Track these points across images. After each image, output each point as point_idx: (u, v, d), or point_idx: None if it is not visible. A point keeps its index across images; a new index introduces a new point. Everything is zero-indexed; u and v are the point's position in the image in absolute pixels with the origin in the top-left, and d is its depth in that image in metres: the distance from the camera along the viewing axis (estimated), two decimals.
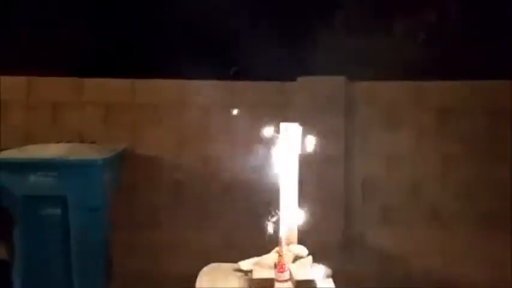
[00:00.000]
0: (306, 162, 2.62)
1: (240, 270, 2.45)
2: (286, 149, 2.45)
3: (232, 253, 2.64)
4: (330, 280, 2.36)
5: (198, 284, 2.40)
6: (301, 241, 2.56)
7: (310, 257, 2.43)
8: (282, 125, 2.50)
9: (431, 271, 3.84)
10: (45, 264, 3.27)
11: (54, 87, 3.95)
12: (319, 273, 2.32)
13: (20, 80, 3.91)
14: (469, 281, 3.77)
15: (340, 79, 3.89)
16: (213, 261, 2.62)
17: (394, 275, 3.81)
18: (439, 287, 3.75)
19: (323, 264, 2.45)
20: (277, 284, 2.23)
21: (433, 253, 3.88)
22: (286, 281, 2.25)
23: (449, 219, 3.88)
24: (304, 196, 2.55)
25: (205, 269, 2.54)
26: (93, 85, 3.96)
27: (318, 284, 2.24)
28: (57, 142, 3.68)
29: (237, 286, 2.32)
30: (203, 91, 3.94)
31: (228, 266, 2.52)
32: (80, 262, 3.26)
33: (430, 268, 3.85)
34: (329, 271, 2.38)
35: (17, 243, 3.23)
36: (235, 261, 2.54)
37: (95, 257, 3.33)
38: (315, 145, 2.56)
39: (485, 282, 3.76)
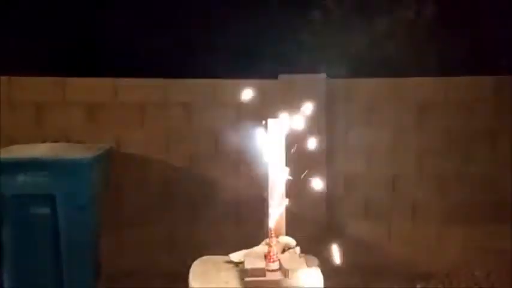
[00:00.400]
0: (289, 158, 2.71)
1: (231, 262, 2.52)
2: (274, 144, 2.54)
3: (222, 248, 2.69)
4: (318, 269, 2.46)
5: (191, 276, 2.46)
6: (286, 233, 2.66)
7: (298, 248, 2.52)
8: (270, 120, 2.58)
9: (408, 261, 3.97)
10: (35, 262, 3.25)
11: (36, 87, 3.94)
12: (308, 263, 2.43)
13: (1, 80, 3.87)
14: (444, 270, 3.92)
15: (321, 76, 3.99)
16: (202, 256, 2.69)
17: (373, 265, 3.93)
18: (416, 275, 3.88)
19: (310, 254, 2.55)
20: (268, 274, 2.32)
21: (410, 244, 4.01)
22: (276, 270, 2.34)
23: (427, 212, 4.02)
24: (288, 190, 2.64)
25: (197, 262, 2.61)
26: (76, 85, 3.95)
27: (307, 273, 2.34)
28: (43, 142, 3.69)
29: (229, 277, 2.39)
30: (186, 89, 3.99)
31: (219, 258, 2.59)
32: (69, 260, 3.25)
33: (408, 259, 3.98)
34: (317, 261, 2.48)
35: (6, 242, 3.21)
36: (225, 255, 2.62)
37: (84, 255, 3.32)
38: (298, 141, 2.65)
39: (460, 271, 3.92)
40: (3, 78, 3.88)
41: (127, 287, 3.69)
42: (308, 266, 2.42)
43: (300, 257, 2.46)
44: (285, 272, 2.31)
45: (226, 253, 2.62)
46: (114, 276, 3.73)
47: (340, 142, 4.02)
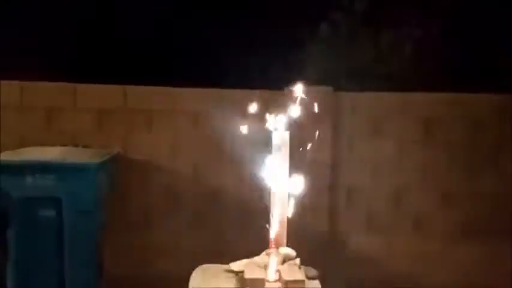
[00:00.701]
0: (294, 169, 2.75)
1: (231, 271, 2.56)
2: (277, 155, 2.58)
3: (223, 255, 2.72)
4: (317, 281, 2.48)
5: (191, 284, 2.50)
6: (287, 244, 2.69)
7: (299, 259, 2.55)
8: (274, 133, 2.62)
9: (410, 276, 3.97)
10: (39, 263, 3.31)
11: (47, 93, 4.01)
12: (308, 274, 2.45)
13: (13, 85, 3.96)
14: (446, 285, 3.92)
15: (328, 89, 4.04)
16: (204, 263, 2.72)
17: (374, 279, 3.94)
18: None
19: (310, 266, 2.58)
20: (267, 284, 2.35)
21: (412, 258, 4.01)
22: (276, 281, 2.37)
23: (429, 227, 4.03)
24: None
25: (197, 270, 2.64)
26: (86, 91, 4.02)
27: (306, 284, 2.37)
28: (52, 146, 3.75)
29: (229, 286, 2.42)
30: (193, 98, 4.05)
31: (219, 267, 2.62)
32: (72, 262, 3.31)
33: (409, 273, 3.98)
34: (316, 272, 2.51)
35: (11, 243, 3.27)
36: (226, 263, 2.65)
37: (87, 258, 3.38)
38: (304, 153, 2.70)
39: (462, 286, 3.92)
40: (16, 83, 3.96)
41: None
42: (308, 277, 2.45)
43: (299, 268, 2.49)
44: (284, 283, 2.34)
45: (229, 260, 2.65)
46: (117, 279, 3.78)
47: (345, 155, 4.05)
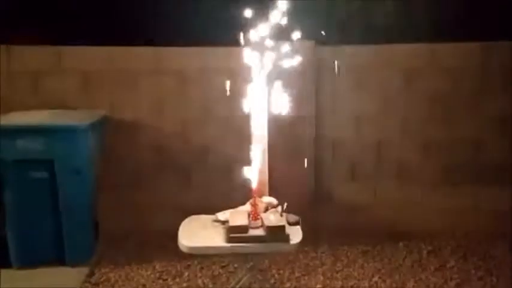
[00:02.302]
0: (280, 122, 2.85)
1: (217, 221, 2.70)
2: (256, 104, 2.67)
3: (212, 209, 2.84)
4: (298, 227, 2.64)
5: (179, 233, 2.64)
6: (275, 194, 2.83)
7: (280, 207, 2.69)
8: (256, 87, 2.70)
9: (391, 221, 4.14)
10: (36, 224, 3.41)
11: (33, 56, 4.01)
12: (289, 220, 2.61)
13: (1, 49, 3.96)
14: (426, 230, 4.09)
15: (311, 43, 4.08)
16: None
17: (358, 225, 4.11)
18: (398, 235, 4.04)
19: (293, 213, 2.73)
20: (250, 230, 2.50)
21: (394, 205, 4.18)
22: (258, 227, 2.52)
23: (412, 174, 4.18)
24: (278, 154, 2.79)
25: (186, 220, 2.79)
26: (72, 53, 4.03)
27: (287, 229, 2.52)
28: (40, 109, 3.81)
29: (215, 234, 2.57)
30: (178, 57, 4.08)
31: (207, 217, 2.77)
32: (68, 222, 3.42)
33: (391, 219, 4.15)
34: (297, 218, 2.66)
35: (8, 205, 3.36)
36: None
37: (82, 217, 3.48)
38: (288, 106, 2.80)
39: (444, 231, 4.09)
40: (4, 47, 3.95)
41: (123, 246, 3.88)
42: (289, 223, 2.60)
43: (281, 215, 2.64)
44: (266, 229, 2.49)
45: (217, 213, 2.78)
46: (111, 236, 3.92)
47: (330, 107, 4.14)
